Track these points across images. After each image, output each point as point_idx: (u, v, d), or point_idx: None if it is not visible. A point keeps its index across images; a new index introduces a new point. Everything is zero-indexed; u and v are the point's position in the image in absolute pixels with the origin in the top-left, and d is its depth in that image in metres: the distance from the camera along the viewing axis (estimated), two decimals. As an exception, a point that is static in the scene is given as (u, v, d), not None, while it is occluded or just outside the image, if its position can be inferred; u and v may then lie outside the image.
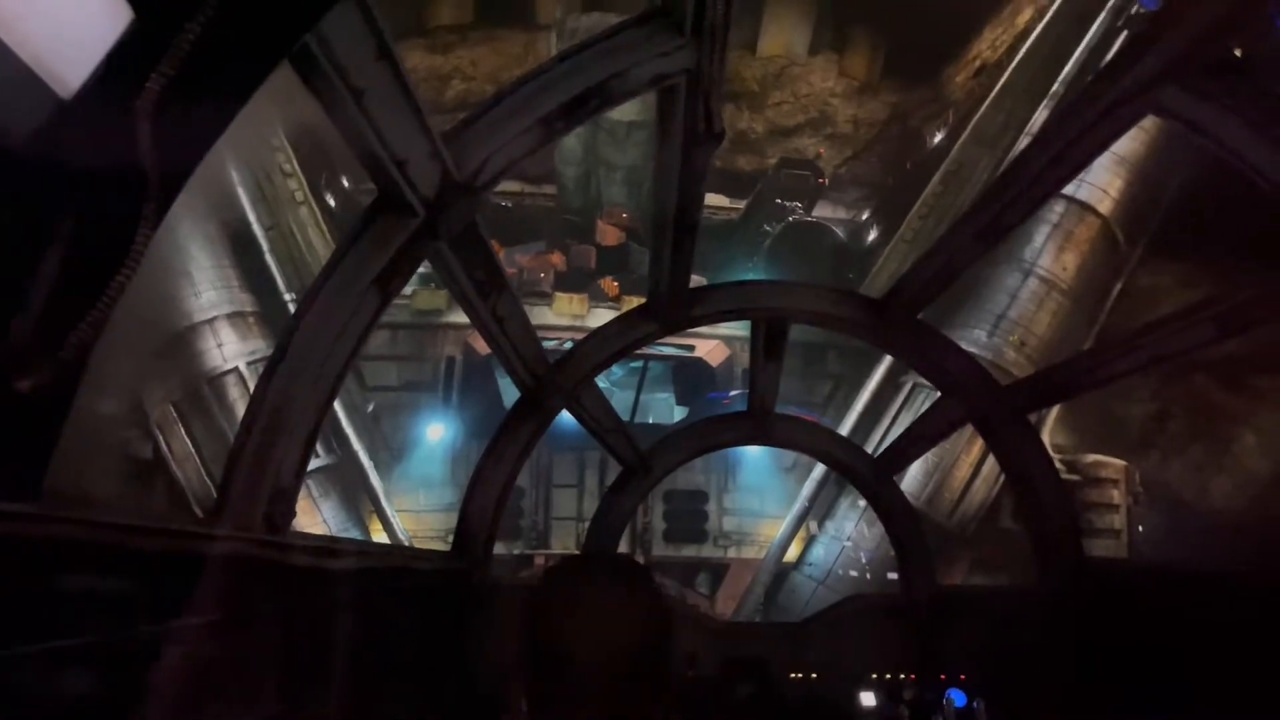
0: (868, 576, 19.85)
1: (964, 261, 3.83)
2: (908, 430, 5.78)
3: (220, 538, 2.45)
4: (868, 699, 4.74)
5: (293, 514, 2.77)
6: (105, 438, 18.51)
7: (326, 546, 2.86)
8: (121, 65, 1.77)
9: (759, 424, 6.07)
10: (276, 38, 2.00)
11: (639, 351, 22.31)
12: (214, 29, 1.82)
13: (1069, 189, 19.83)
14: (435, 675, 3.56)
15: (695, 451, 6.61)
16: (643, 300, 4.54)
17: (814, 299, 4.53)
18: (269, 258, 20.50)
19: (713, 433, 6.53)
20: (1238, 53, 2.61)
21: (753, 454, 22.98)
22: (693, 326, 4.79)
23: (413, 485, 22.97)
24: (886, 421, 20.32)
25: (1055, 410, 20.79)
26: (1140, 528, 20.91)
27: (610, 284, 24.74)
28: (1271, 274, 3.28)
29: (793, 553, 21.52)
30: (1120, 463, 21.02)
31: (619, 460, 6.00)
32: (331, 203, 24.38)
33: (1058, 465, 20.04)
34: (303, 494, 16.01)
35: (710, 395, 23.30)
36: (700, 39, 2.72)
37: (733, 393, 22.81)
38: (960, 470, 19.70)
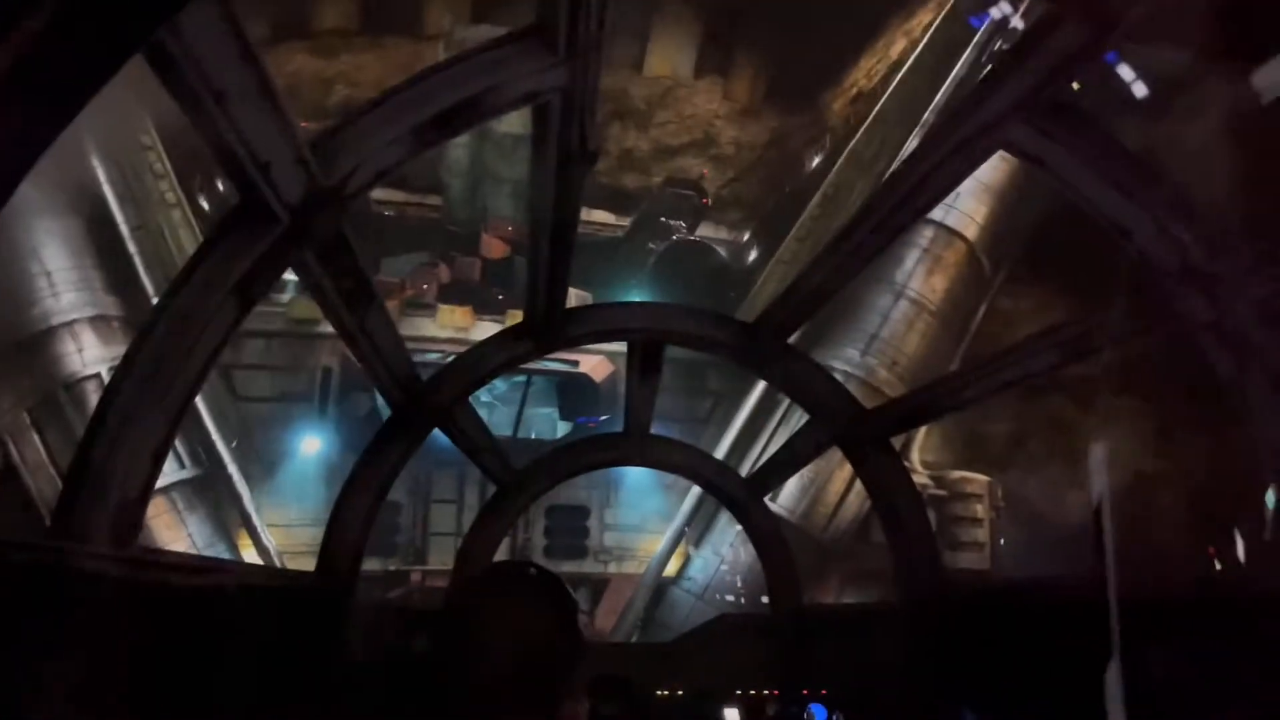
0: (744, 590, 20.13)
1: (831, 287, 3.97)
2: (777, 453, 5.93)
3: (58, 552, 2.33)
4: (732, 715, 4.81)
5: (139, 528, 2.65)
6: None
7: (178, 563, 2.75)
8: (-43, 53, 1.68)
9: (634, 444, 6.11)
10: (127, 31, 1.93)
11: (524, 366, 22.14)
12: (60, 17, 1.74)
13: (938, 215, 20.66)
14: (293, 699, 3.45)
15: (570, 472, 6.63)
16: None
17: (688, 321, 4.61)
18: (136, 260, 19.52)
19: (588, 453, 6.56)
20: (1075, 86, 2.81)
21: (635, 470, 23.08)
22: (569, 347, 4.82)
23: (285, 499, 22.23)
24: (764, 439, 20.68)
25: (924, 429, 21.57)
26: (1002, 540, 21.85)
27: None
28: (1111, 301, 3.49)
29: (672, 568, 21.67)
30: (984, 479, 21.96)
31: (492, 480, 5.96)
32: (206, 206, 23.42)
33: (926, 480, 20.85)
34: (167, 507, 15.44)
35: (579, 420, 23.38)
36: (574, 58, 2.73)
37: (602, 417, 22.95)
38: (834, 486, 20.22)
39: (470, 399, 4.72)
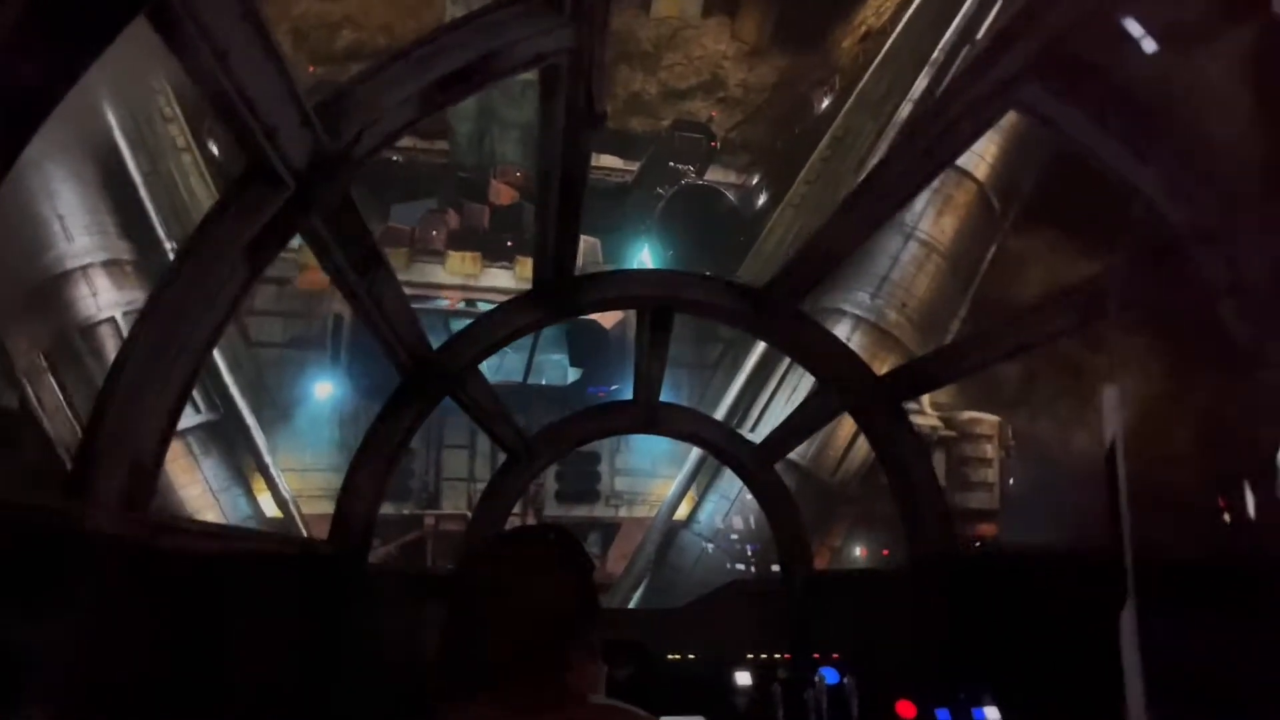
0: (753, 534, 20.31)
1: (840, 252, 3.95)
2: (787, 420, 5.92)
3: (72, 514, 2.35)
4: (743, 679, 4.89)
5: (154, 492, 2.68)
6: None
7: (191, 528, 2.78)
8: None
9: (644, 412, 6.13)
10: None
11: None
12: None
13: (948, 155, 20.38)
14: (305, 665, 3.51)
15: (581, 440, 6.67)
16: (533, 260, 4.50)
17: (698, 289, 4.63)
18: (148, 205, 19.48)
19: (598, 421, 6.59)
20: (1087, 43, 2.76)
21: (645, 416, 23.12)
22: (580, 314, 4.84)
23: (299, 444, 22.48)
24: (771, 387, 20.68)
25: (933, 372, 21.56)
26: (1011, 480, 21.97)
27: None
28: (1126, 258, 3.46)
29: (683, 511, 21.86)
30: (994, 419, 22.03)
31: (503, 448, 5.97)
32: (215, 151, 23.25)
33: (936, 422, 20.88)
34: (183, 451, 15.56)
35: (589, 389, 23.57)
36: (581, 18, 2.69)
37: (613, 387, 23.11)
38: (843, 429, 20.21)
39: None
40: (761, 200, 30.61)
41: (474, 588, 1.84)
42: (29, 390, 18.17)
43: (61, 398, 18.18)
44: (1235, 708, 2.64)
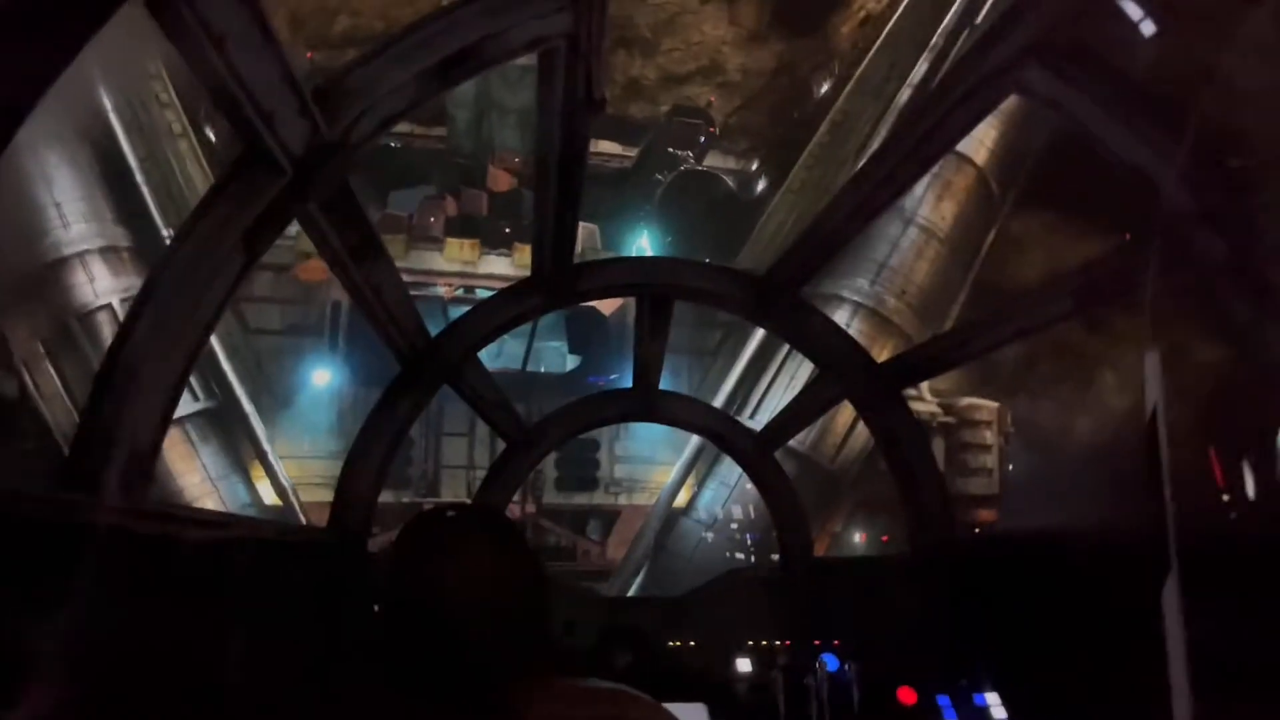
0: (752, 521, 20.33)
1: (841, 238, 3.94)
2: (786, 407, 5.91)
3: (68, 503, 2.35)
4: (743, 665, 4.92)
5: (151, 479, 2.67)
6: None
7: (190, 517, 2.77)
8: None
9: (643, 399, 6.11)
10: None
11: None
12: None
13: (947, 141, 20.37)
14: (305, 653, 3.51)
15: (580, 428, 6.64)
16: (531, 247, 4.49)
17: (698, 276, 4.62)
18: (144, 190, 19.46)
19: (597, 409, 6.56)
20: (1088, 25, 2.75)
21: (644, 404, 23.15)
22: (579, 301, 4.82)
23: (297, 431, 22.48)
24: (770, 373, 20.67)
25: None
26: (1010, 466, 21.97)
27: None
28: (1125, 243, 3.45)
29: (682, 499, 21.88)
30: (993, 404, 22.02)
31: (502, 436, 5.93)
32: (212, 136, 23.15)
33: (935, 408, 20.88)
34: (181, 438, 15.48)
35: (589, 377, 23.57)
36: (578, 2, 2.67)
37: (612, 375, 23.12)
38: (843, 416, 20.20)
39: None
40: (761, 186, 30.56)
41: (440, 578, 1.74)
42: (27, 377, 18.19)
43: (59, 384, 18.20)
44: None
